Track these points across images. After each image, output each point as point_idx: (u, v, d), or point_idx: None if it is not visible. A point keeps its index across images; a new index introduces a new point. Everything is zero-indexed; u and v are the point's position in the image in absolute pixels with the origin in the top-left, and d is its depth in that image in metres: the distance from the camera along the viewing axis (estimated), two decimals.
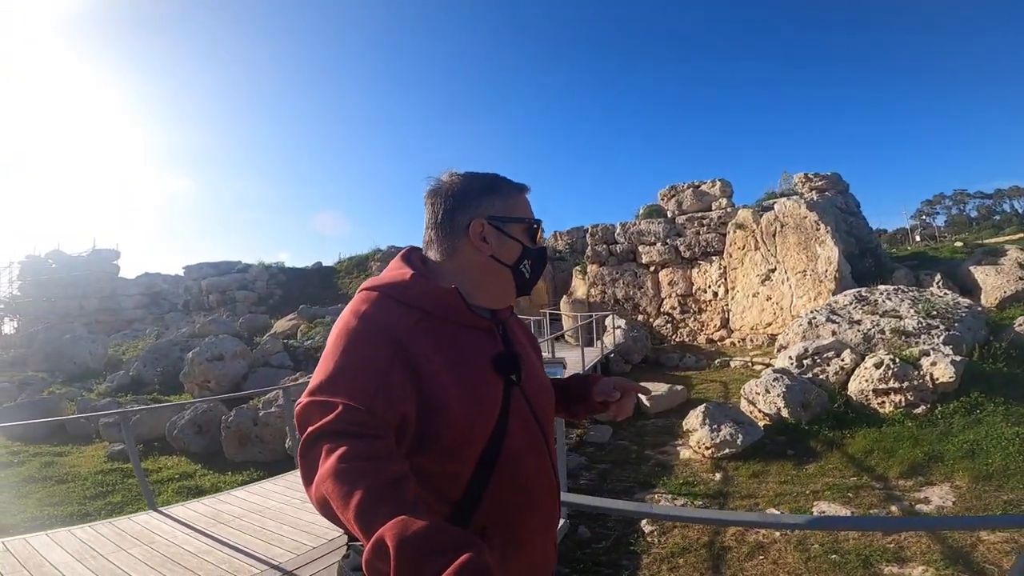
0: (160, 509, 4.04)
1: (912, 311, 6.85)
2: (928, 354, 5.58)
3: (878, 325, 6.67)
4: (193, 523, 3.69)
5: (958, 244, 18.51)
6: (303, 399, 0.78)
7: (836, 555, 3.33)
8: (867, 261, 11.80)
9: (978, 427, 4.92)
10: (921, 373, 5.37)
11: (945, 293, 7.83)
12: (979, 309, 7.34)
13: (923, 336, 6.29)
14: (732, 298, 11.59)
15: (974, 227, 27.95)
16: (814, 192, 12.71)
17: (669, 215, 12.89)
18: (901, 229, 32.09)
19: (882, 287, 8.09)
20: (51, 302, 20.10)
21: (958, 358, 5.42)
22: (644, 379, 9.10)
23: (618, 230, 13.43)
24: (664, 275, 12.80)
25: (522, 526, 0.91)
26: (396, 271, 0.94)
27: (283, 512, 3.77)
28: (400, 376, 0.80)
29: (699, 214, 12.41)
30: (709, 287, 12.13)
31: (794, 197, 10.82)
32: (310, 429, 0.73)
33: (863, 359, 5.96)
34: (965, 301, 7.47)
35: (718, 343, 11.71)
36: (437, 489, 0.84)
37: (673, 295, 12.64)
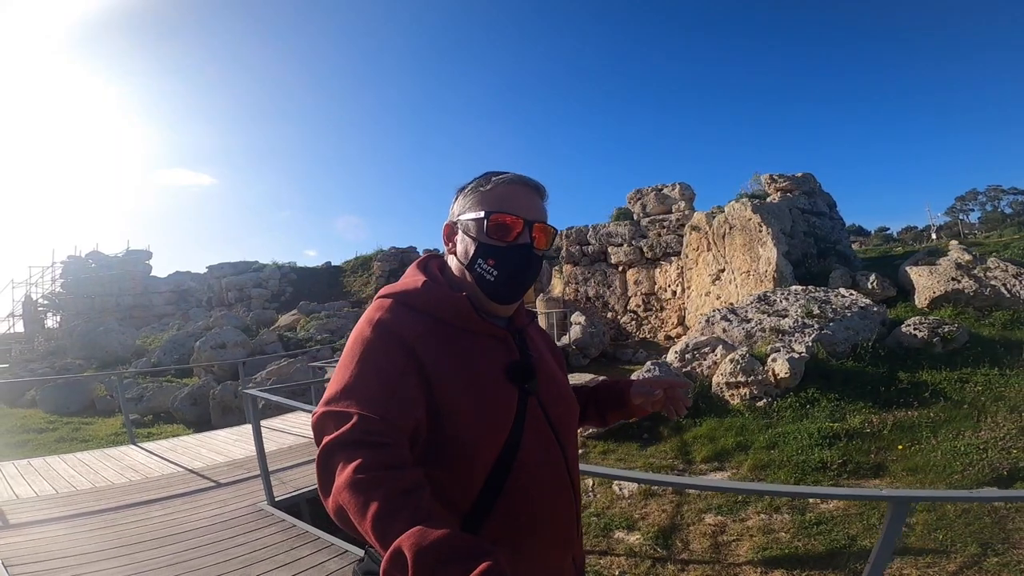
0: (137, 444, 5.76)
1: (799, 311, 7.88)
2: (778, 351, 6.65)
3: (761, 324, 7.74)
4: (155, 451, 5.38)
5: (953, 242, 18.69)
6: (319, 409, 0.81)
7: (596, 518, 4.32)
8: (825, 262, 12.58)
9: (802, 421, 5.78)
10: (765, 369, 6.46)
11: (851, 294, 8.73)
12: (875, 310, 8.21)
13: (796, 334, 7.33)
14: (688, 297, 12.65)
15: (1008, 224, 27.36)
16: (778, 192, 13.56)
17: (635, 217, 14.03)
18: (934, 225, 31.71)
19: (795, 287, 9.08)
20: (90, 299, 22.93)
21: (797, 356, 6.45)
22: (595, 373, 10.37)
23: (590, 232, 14.65)
24: (631, 275, 13.94)
25: (536, 539, 0.91)
26: (410, 278, 0.97)
27: (217, 446, 5.41)
28: (412, 383, 0.83)
29: (661, 216, 13.51)
30: (669, 286, 13.21)
31: (743, 199, 11.78)
32: (326, 440, 0.75)
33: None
34: (864, 302, 8.38)
35: (675, 340, 12.77)
36: (447, 499, 0.85)
37: (638, 294, 13.78)
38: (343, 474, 0.70)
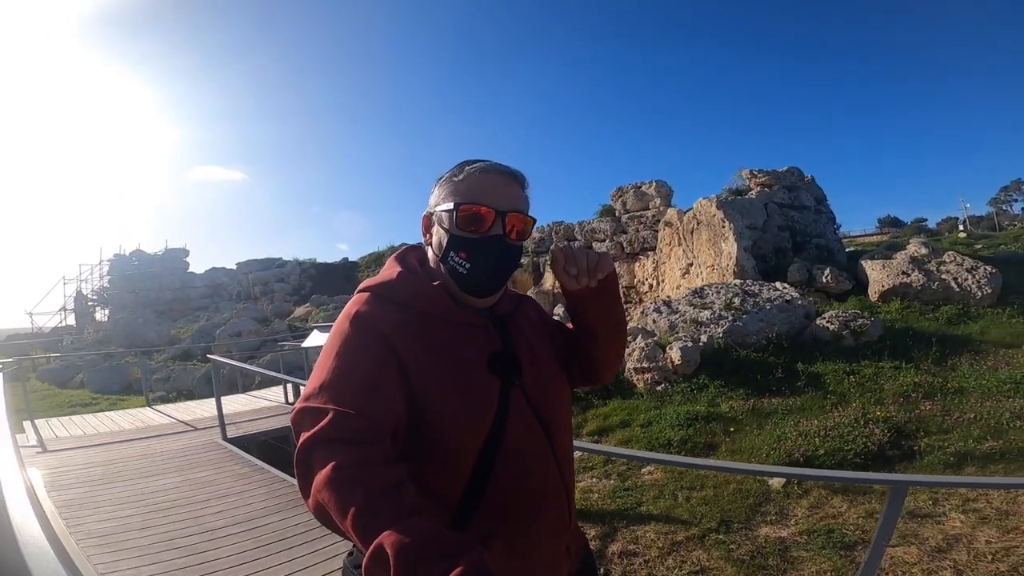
0: (152, 406, 7.54)
1: (721, 304, 8.91)
2: (680, 340, 7.75)
3: (685, 315, 8.82)
4: (163, 411, 7.15)
5: (961, 235, 18.69)
6: (297, 405, 0.82)
7: None
8: (801, 255, 13.29)
9: (687, 404, 6.71)
10: (665, 356, 7.58)
11: (784, 287, 9.65)
12: (799, 303, 9.09)
13: (711, 325, 8.38)
14: (662, 290, 13.68)
15: None
16: (759, 187, 14.32)
17: (616, 214, 15.10)
18: (973, 216, 31.03)
19: (734, 281, 10.07)
20: (135, 294, 25.80)
21: (691, 345, 7.54)
22: None
23: (576, 228, 15.82)
24: None
25: (526, 531, 0.93)
26: (387, 270, 1.01)
27: (211, 408, 7.06)
28: (390, 376, 0.85)
29: (639, 213, 14.54)
30: (646, 279, 14.26)
31: (711, 196, 12.68)
32: (303, 437, 0.76)
33: None
34: (791, 295, 9.28)
35: None
36: (434, 493, 0.87)
37: (619, 287, 14.87)
38: (321, 472, 0.70)
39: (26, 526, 0.90)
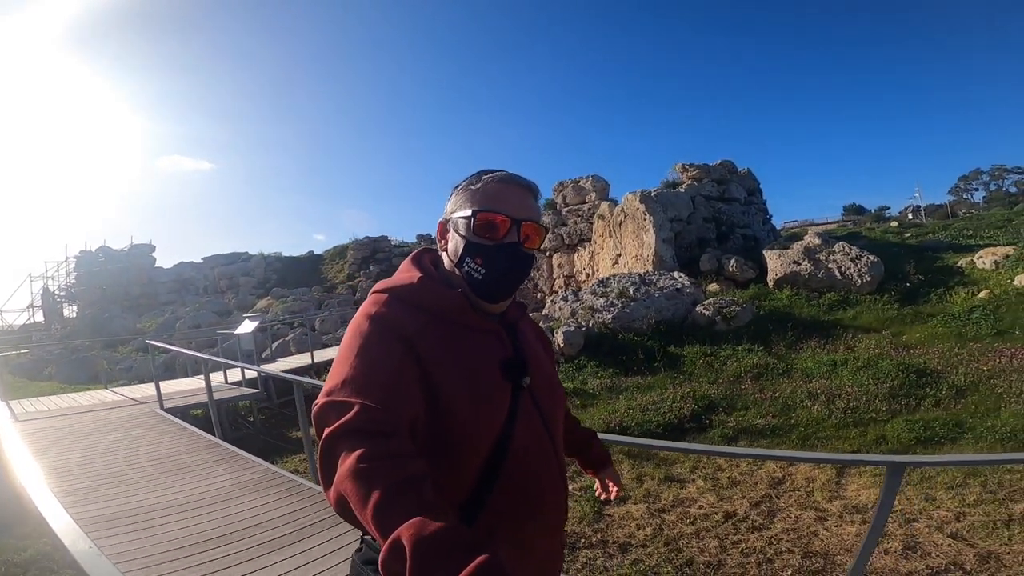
0: (109, 387, 9.02)
1: (615, 293, 10.45)
2: (567, 325, 9.28)
3: (586, 303, 10.36)
4: (119, 391, 8.62)
5: (893, 224, 20.38)
6: (320, 400, 0.87)
7: None
8: (726, 244, 14.84)
9: (565, 382, 7.81)
10: (553, 340, 9.11)
11: (680, 276, 11.19)
12: (688, 291, 10.63)
13: (604, 312, 9.91)
14: (596, 279, 15.23)
15: (1015, 203, 28.43)
16: (689, 180, 15.83)
17: (557, 207, 16.58)
18: (932, 205, 33.11)
19: (638, 271, 11.61)
20: (102, 289, 27.03)
21: (573, 329, 9.07)
22: None
23: None
24: (555, 259, 16.58)
25: (528, 529, 1.03)
26: (405, 273, 1.08)
27: (166, 390, 8.57)
28: (411, 375, 0.92)
29: (577, 206, 16.03)
30: (583, 269, 15.80)
31: (637, 190, 14.18)
32: (328, 430, 0.81)
33: None
34: (682, 284, 10.81)
35: None
36: (442, 492, 0.88)
37: (561, 276, 16.43)
38: (345, 464, 0.75)
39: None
